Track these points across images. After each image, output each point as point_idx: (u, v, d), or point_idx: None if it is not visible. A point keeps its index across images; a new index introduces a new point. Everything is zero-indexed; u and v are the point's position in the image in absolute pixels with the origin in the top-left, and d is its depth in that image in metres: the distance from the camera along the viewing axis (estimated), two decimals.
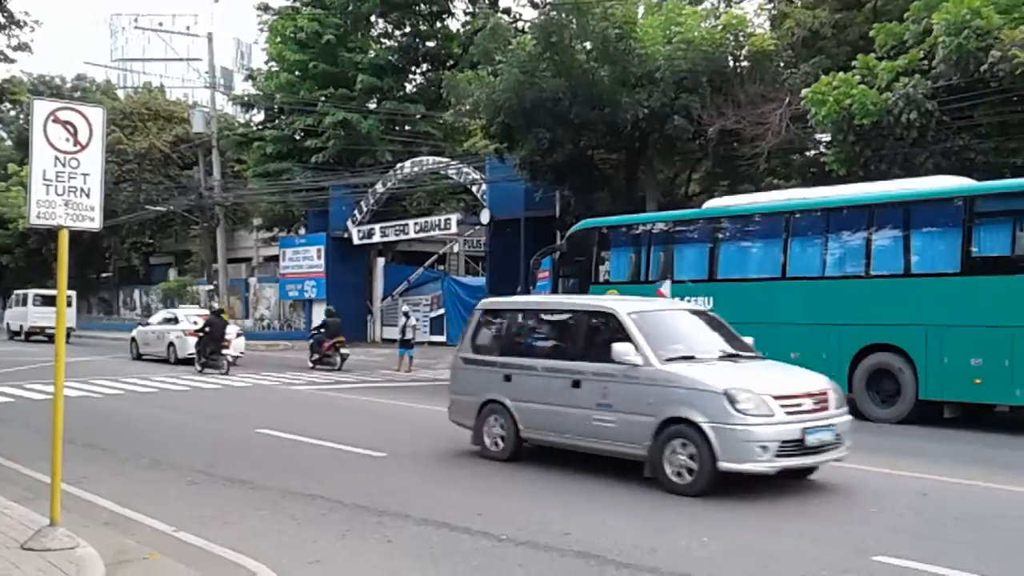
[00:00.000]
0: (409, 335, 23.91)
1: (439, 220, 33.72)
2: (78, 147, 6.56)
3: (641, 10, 24.21)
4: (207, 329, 22.69)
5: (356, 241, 35.60)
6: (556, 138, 22.87)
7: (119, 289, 53.90)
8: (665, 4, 23.44)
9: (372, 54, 37.74)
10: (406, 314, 24.64)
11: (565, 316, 10.44)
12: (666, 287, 16.30)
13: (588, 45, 22.53)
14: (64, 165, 6.50)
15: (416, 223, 33.91)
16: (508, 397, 10.05)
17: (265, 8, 40.95)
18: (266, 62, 42.30)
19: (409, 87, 39.91)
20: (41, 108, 6.53)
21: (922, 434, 12.49)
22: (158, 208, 42.42)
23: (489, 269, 31.52)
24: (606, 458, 9.29)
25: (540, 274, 21.16)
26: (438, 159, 33.32)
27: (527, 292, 23.18)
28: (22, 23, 23.18)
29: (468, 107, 25.66)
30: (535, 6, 26.80)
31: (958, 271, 13.11)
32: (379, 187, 34.23)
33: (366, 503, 8.07)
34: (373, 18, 39.42)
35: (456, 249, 40.96)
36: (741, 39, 22.41)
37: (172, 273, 49.78)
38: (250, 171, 40.99)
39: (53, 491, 6.39)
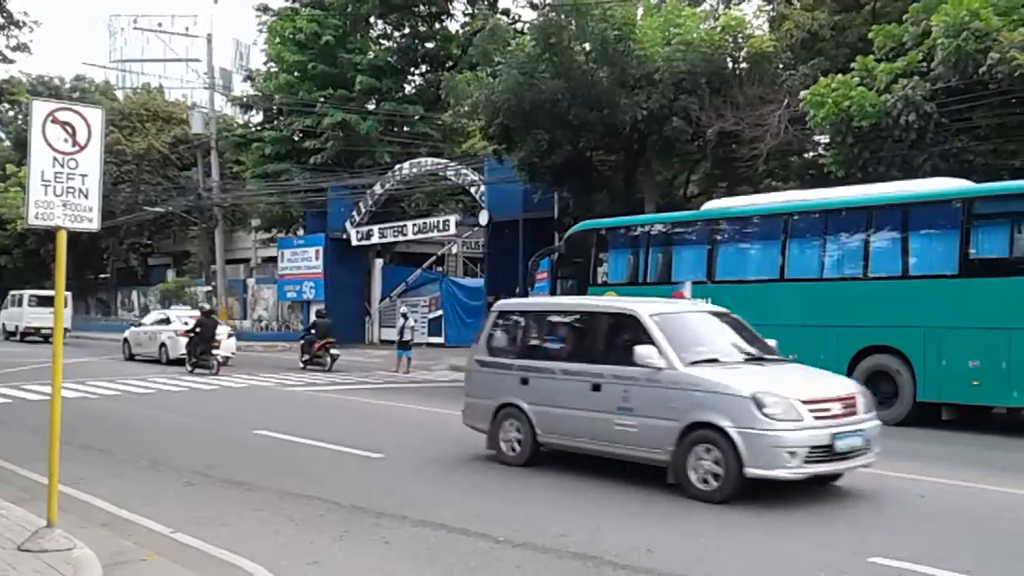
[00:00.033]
0: (407, 336, 23.92)
1: (437, 221, 33.72)
2: (77, 148, 6.55)
3: (640, 11, 24.21)
4: (197, 330, 22.80)
5: (354, 242, 35.59)
6: (555, 139, 22.88)
7: (117, 290, 53.86)
8: (664, 5, 23.46)
9: (371, 55, 37.75)
10: (404, 315, 24.68)
11: (584, 318, 10.24)
12: (687, 288, 15.96)
13: (587, 46, 22.54)
14: (63, 166, 6.50)
15: (414, 224, 33.91)
16: (525, 401, 9.82)
17: (264, 9, 40.97)
18: (265, 63, 42.34)
19: (408, 88, 39.91)
20: (40, 109, 6.53)
21: (920, 436, 12.48)
22: (156, 209, 42.40)
23: (487, 270, 31.52)
24: (611, 460, 9.24)
25: (538, 275, 21.16)
26: (437, 160, 33.33)
27: (525, 293, 23.21)
28: (21, 23, 23.23)
29: (467, 108, 25.68)
30: (534, 7, 26.81)
31: (956, 273, 13.12)
32: (378, 188, 34.23)
33: (364, 504, 8.06)
34: (372, 19, 39.42)
35: (454, 250, 40.96)
36: (740, 41, 22.43)
37: (170, 274, 49.74)
38: (249, 172, 40.98)
39: (50, 492, 6.38)
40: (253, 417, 14.21)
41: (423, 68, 40.38)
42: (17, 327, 40.28)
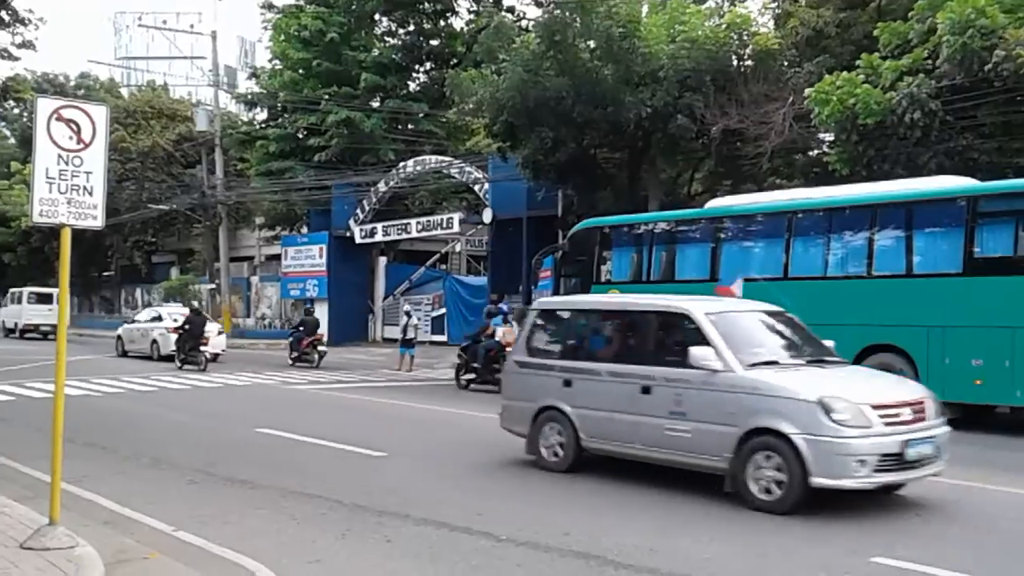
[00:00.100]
0: (411, 334, 23.94)
1: (441, 219, 33.71)
2: (81, 145, 6.56)
3: (645, 9, 24.18)
4: (187, 327, 23.49)
5: (358, 240, 35.59)
6: (559, 137, 22.85)
7: (121, 287, 53.93)
8: (669, 3, 23.39)
9: (376, 52, 37.72)
10: (408, 313, 24.67)
11: (632, 317, 9.72)
12: (737, 286, 15.24)
13: (592, 44, 22.51)
14: (67, 163, 6.50)
15: (418, 222, 33.89)
16: (568, 404, 9.38)
17: (269, 6, 40.96)
18: (270, 60, 42.34)
19: (412, 86, 39.88)
20: (45, 106, 6.53)
21: None
22: (161, 206, 42.46)
23: (491, 268, 31.49)
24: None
25: (542, 273, 21.15)
26: (441, 158, 33.30)
27: (529, 292, 23.19)
28: (26, 21, 23.27)
29: (471, 106, 25.63)
30: (539, 5, 26.71)
31: (960, 272, 13.08)
32: (381, 186, 34.22)
33: (366, 503, 8.06)
34: (377, 16, 39.37)
35: (458, 248, 40.94)
36: (745, 38, 22.37)
37: (174, 272, 49.80)
38: (253, 170, 41.02)
39: (53, 490, 6.39)
40: (255, 415, 14.22)
41: (427, 65, 40.34)
42: (16, 324, 40.82)
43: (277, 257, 41.40)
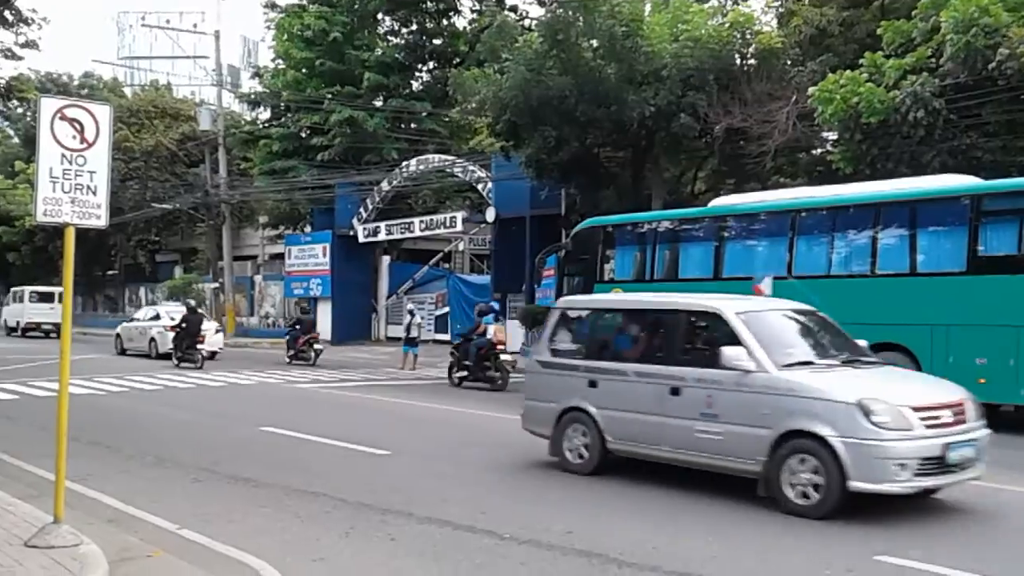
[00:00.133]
0: (414, 333, 23.97)
1: (444, 218, 33.72)
2: (85, 145, 6.57)
3: (648, 8, 24.15)
4: (183, 325, 23.77)
5: (361, 239, 35.61)
6: (562, 136, 22.85)
7: (125, 286, 53.98)
8: (672, 2, 23.38)
9: (379, 52, 37.72)
10: (411, 312, 24.70)
11: (660, 316, 9.46)
12: (766, 284, 14.98)
13: (595, 43, 22.49)
14: (71, 163, 6.51)
15: (421, 221, 33.91)
16: (593, 405, 9.20)
17: (272, 6, 40.95)
18: (273, 60, 42.35)
19: (415, 85, 39.88)
20: (48, 106, 6.54)
21: None
22: (164, 206, 42.48)
23: (494, 267, 31.49)
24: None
25: (545, 272, 21.18)
26: (444, 157, 33.31)
27: (532, 290, 23.20)
28: (30, 20, 23.31)
29: (474, 105, 25.64)
30: (542, 4, 26.69)
31: (964, 270, 13.07)
32: (385, 185, 34.23)
33: (370, 501, 8.07)
34: (380, 16, 39.37)
35: (461, 247, 40.95)
36: (748, 37, 22.35)
37: (178, 271, 49.85)
38: (256, 169, 41.04)
39: (57, 488, 6.41)
40: (259, 414, 14.24)
41: (430, 65, 40.34)
42: (19, 323, 41.20)
43: (281, 256, 41.44)
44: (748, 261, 15.97)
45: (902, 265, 13.85)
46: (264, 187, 39.00)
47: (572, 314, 10.45)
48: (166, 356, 24.93)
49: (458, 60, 36.90)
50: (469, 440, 12.18)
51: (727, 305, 8.71)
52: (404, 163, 33.75)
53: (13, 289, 44.04)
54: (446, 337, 33.52)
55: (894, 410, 7.38)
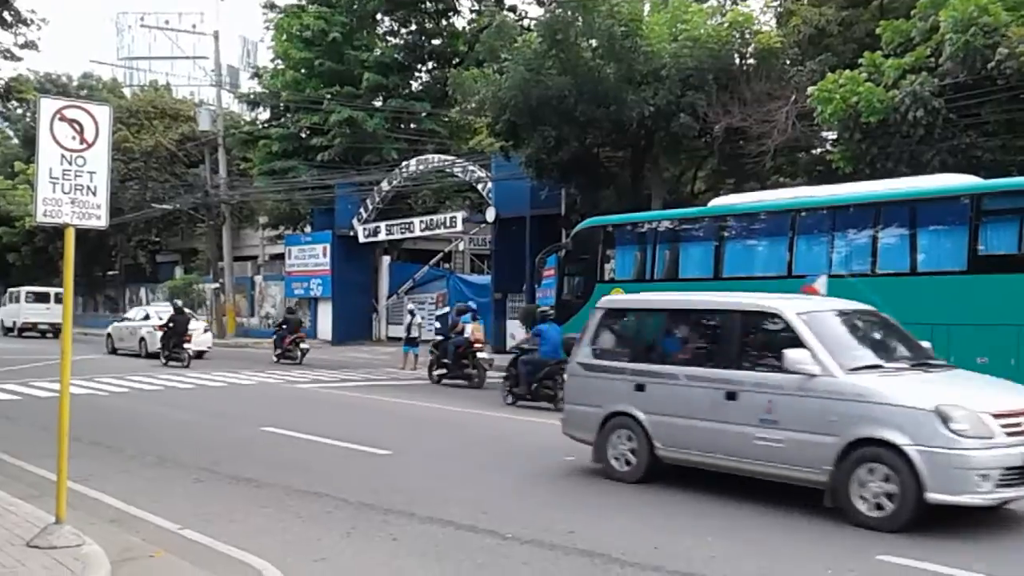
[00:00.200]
0: (414, 333, 23.99)
1: (444, 218, 33.72)
2: (84, 145, 6.57)
3: (647, 8, 24.16)
4: (170, 325, 24.34)
5: (362, 239, 35.62)
6: (562, 136, 22.85)
7: (125, 287, 53.95)
8: (671, 2, 23.38)
9: (378, 52, 37.72)
10: (411, 312, 24.73)
11: (714, 317, 9.03)
12: (821, 283, 14.25)
13: (594, 43, 22.50)
14: (70, 163, 6.52)
15: (421, 221, 33.91)
16: (640, 409, 8.78)
17: (271, 6, 40.95)
18: (272, 60, 42.34)
19: (415, 85, 39.87)
20: (48, 106, 6.55)
21: None
22: (164, 206, 42.47)
23: (495, 267, 31.49)
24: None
25: (546, 272, 21.20)
26: (444, 157, 33.31)
27: (532, 290, 23.21)
28: (29, 21, 23.34)
29: (474, 105, 25.65)
30: (541, 4, 26.69)
31: (964, 270, 13.07)
32: (385, 185, 34.23)
33: (371, 501, 8.08)
34: (379, 16, 39.37)
35: (461, 247, 40.96)
36: (747, 37, 22.36)
37: (178, 271, 49.84)
38: (256, 169, 41.03)
39: (59, 489, 6.41)
40: (260, 414, 14.25)
41: (430, 65, 40.34)
42: (15, 323, 41.48)
43: (281, 256, 41.44)
44: (748, 261, 15.97)
45: (902, 264, 13.84)
46: (264, 187, 39.00)
47: (616, 315, 10.00)
48: (155, 355, 25.35)
49: (457, 60, 36.89)
50: (471, 440, 12.19)
51: (787, 305, 8.33)
52: (404, 163, 33.75)
53: (10, 289, 44.40)
54: None
55: (974, 417, 6.99)
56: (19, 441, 11.17)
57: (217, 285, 39.81)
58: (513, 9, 35.76)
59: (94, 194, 6.61)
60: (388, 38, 40.19)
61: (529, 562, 6.35)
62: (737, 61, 22.56)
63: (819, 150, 22.81)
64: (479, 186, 31.31)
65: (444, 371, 19.86)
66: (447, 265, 40.45)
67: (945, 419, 6.93)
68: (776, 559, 6.54)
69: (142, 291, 51.90)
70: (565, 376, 9.89)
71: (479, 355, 19.25)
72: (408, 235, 35.12)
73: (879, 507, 7.14)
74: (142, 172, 45.95)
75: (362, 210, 35.40)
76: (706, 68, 21.40)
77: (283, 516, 7.59)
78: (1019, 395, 7.78)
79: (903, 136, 16.94)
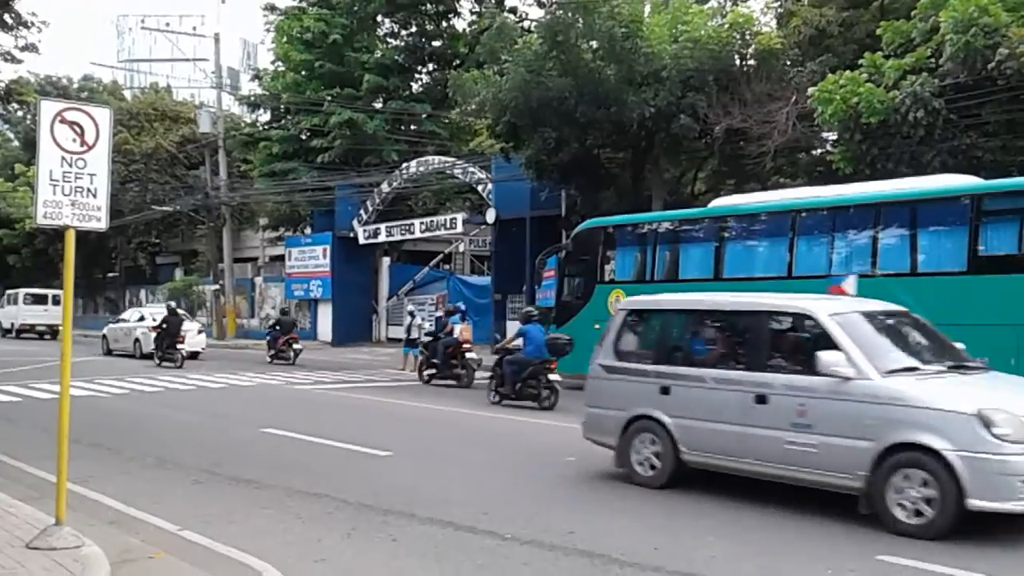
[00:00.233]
0: (415, 334, 23.95)
1: (445, 220, 33.73)
2: (85, 147, 6.57)
3: (647, 9, 24.19)
4: (164, 326, 24.62)
5: (362, 241, 35.63)
6: (562, 137, 22.87)
7: (126, 288, 53.95)
8: (672, 3, 23.42)
9: (378, 54, 37.75)
10: (411, 313, 24.72)
11: (743, 318, 8.76)
12: (850, 283, 14.05)
13: (594, 44, 22.52)
14: (71, 165, 6.52)
15: (422, 222, 33.92)
16: (665, 413, 8.57)
17: (271, 8, 41.00)
18: (272, 62, 42.39)
19: (415, 87, 39.91)
20: (48, 108, 6.54)
21: None
22: (164, 208, 42.49)
23: (495, 268, 31.51)
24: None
25: (546, 273, 21.22)
26: (444, 159, 33.32)
27: (532, 292, 23.21)
28: (29, 24, 23.33)
29: (474, 106, 25.67)
30: (541, 5, 26.79)
31: (965, 270, 13.06)
32: (385, 187, 34.25)
33: (371, 502, 8.07)
34: (379, 18, 39.41)
35: (462, 248, 40.96)
36: (747, 38, 22.38)
37: (178, 273, 49.85)
38: (256, 171, 41.06)
39: (59, 490, 6.41)
40: (260, 415, 14.24)
41: (430, 66, 40.36)
42: (13, 324, 41.81)
43: (281, 258, 41.45)
44: (749, 261, 15.98)
45: (903, 265, 13.84)
46: (264, 189, 39.02)
47: (640, 315, 9.76)
48: (149, 356, 25.61)
49: (458, 62, 36.92)
50: (470, 441, 12.19)
51: (819, 306, 8.13)
52: (404, 165, 33.77)
53: (8, 291, 44.64)
54: None
55: (1017, 421, 6.77)
56: (19, 443, 11.16)
57: (217, 287, 39.83)
58: (513, 11, 35.80)
59: (94, 196, 6.61)
60: (388, 40, 40.24)
61: (529, 562, 6.35)
62: (737, 62, 22.58)
63: (819, 151, 22.82)
64: (479, 187, 31.32)
65: (434, 371, 20.13)
66: (447, 266, 40.45)
67: (988, 423, 6.74)
68: (776, 559, 6.53)
69: (142, 293, 51.92)
70: (587, 378, 9.63)
71: (468, 355, 19.48)
72: (408, 236, 35.13)
73: (918, 513, 6.95)
74: (142, 174, 45.99)
75: (362, 212, 35.42)
76: (706, 69, 21.42)
77: (283, 517, 7.58)
78: None
79: (903, 137, 16.95)
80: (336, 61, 36.91)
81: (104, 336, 30.08)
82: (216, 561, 6.33)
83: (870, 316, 8.38)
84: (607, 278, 18.16)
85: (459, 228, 33.59)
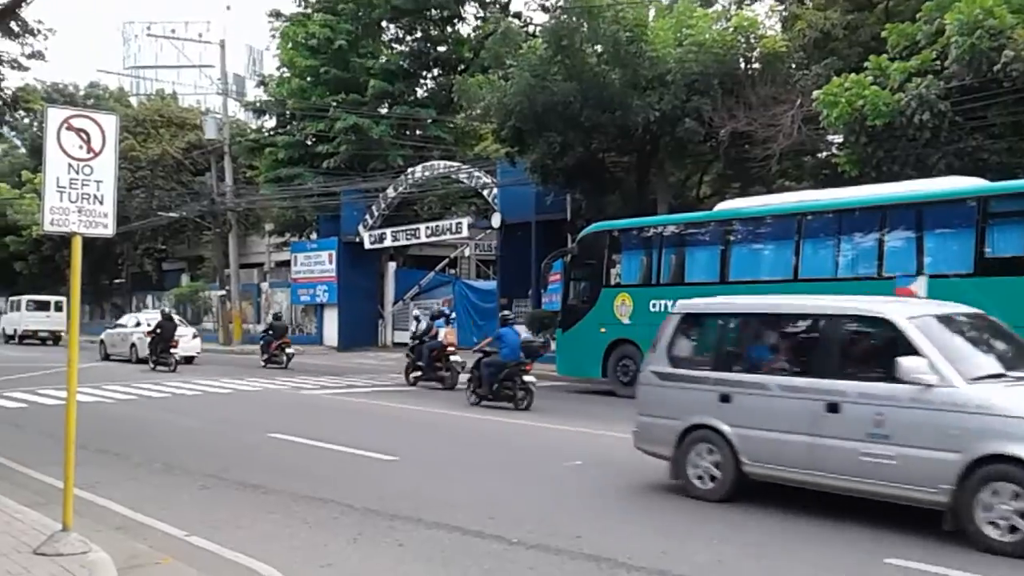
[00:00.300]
0: None
1: (450, 224, 33.75)
2: (91, 154, 6.58)
3: (652, 13, 24.18)
4: (158, 331, 25.16)
5: (367, 246, 35.67)
6: (567, 141, 22.87)
7: (132, 295, 54.12)
8: (676, 6, 23.41)
9: (383, 59, 37.86)
10: (417, 318, 24.74)
11: (810, 322, 8.22)
12: (919, 284, 13.57)
13: (599, 48, 22.52)
14: (77, 172, 6.52)
15: (427, 227, 33.95)
16: (725, 422, 8.13)
17: (277, 15, 41.16)
18: (278, 68, 42.53)
19: (420, 92, 40.00)
20: (55, 116, 6.56)
21: None
22: (171, 214, 42.64)
23: (500, 273, 31.53)
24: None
25: (551, 277, 21.23)
26: (449, 163, 33.36)
27: (538, 295, 23.21)
28: (35, 31, 23.47)
29: (479, 111, 25.71)
30: (546, 10, 26.76)
31: (971, 272, 13.04)
32: (390, 192, 34.30)
33: (377, 507, 8.07)
34: (384, 24, 39.54)
35: (467, 253, 40.99)
36: (752, 41, 22.36)
37: (185, 279, 50.00)
38: (262, 177, 41.18)
39: (66, 496, 6.41)
40: (266, 420, 14.25)
41: (435, 72, 40.47)
42: (16, 330, 42.10)
43: (287, 263, 41.55)
44: (755, 265, 15.96)
45: (909, 267, 13.83)
46: (270, 195, 39.13)
47: (696, 319, 9.22)
48: (145, 360, 26.02)
49: (462, 67, 37.02)
50: (475, 445, 12.19)
51: (895, 309, 7.73)
52: (409, 170, 33.82)
53: (11, 298, 44.94)
54: None
55: None
56: (26, 449, 11.18)
57: (223, 292, 39.92)
58: (518, 16, 35.90)
59: (101, 203, 6.62)
60: (393, 45, 40.35)
61: (535, 567, 6.34)
62: (742, 65, 22.57)
63: (825, 154, 22.76)
64: (484, 192, 31.34)
65: (419, 373, 20.47)
66: (453, 271, 40.49)
67: None
68: (782, 563, 6.51)
69: (148, 299, 52.08)
70: (638, 385, 9.19)
71: (452, 358, 19.77)
72: (414, 241, 35.17)
73: (1013, 529, 6.54)
74: (149, 180, 46.16)
75: (368, 217, 35.46)
76: (711, 73, 21.41)
77: (290, 522, 7.58)
78: None
79: (909, 139, 16.92)
80: (341, 67, 37.01)
81: (102, 341, 30.57)
82: (223, 566, 6.33)
83: (947, 319, 7.93)
84: (612, 282, 18.17)
85: (464, 233, 33.59)
